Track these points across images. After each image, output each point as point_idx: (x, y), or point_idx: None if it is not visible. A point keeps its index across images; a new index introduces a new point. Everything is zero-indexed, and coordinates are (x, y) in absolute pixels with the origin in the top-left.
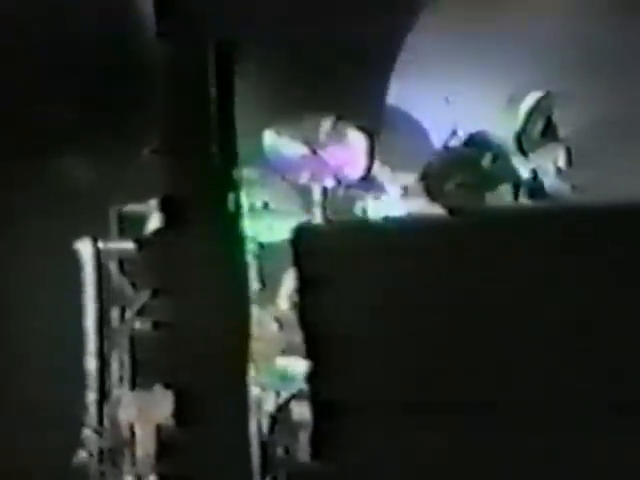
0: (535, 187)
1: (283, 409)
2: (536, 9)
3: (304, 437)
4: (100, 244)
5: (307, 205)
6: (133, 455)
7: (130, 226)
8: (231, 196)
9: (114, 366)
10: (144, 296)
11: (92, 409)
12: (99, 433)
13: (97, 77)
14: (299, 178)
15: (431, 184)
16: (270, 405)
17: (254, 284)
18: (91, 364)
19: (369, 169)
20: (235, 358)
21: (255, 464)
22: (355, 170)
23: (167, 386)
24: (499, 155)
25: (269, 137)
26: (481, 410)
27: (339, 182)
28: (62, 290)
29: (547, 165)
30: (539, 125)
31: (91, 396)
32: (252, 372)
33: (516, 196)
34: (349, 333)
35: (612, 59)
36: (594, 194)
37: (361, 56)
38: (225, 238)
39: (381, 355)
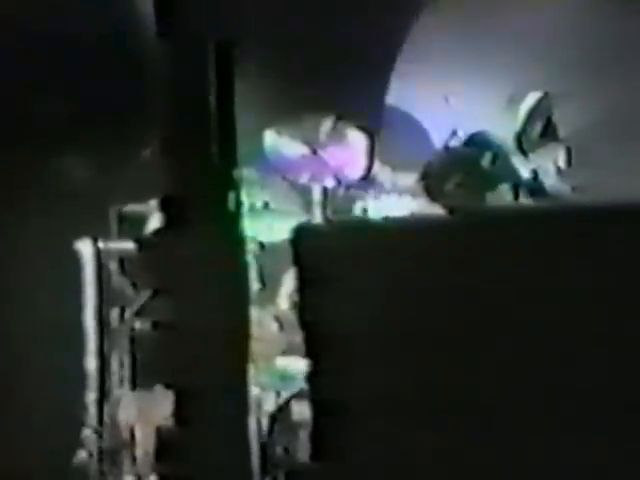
0: (535, 187)
1: (283, 409)
2: (536, 9)
3: (304, 437)
4: (100, 244)
5: (307, 205)
6: (133, 455)
7: (130, 226)
8: (231, 196)
9: (114, 366)
10: (144, 296)
11: (92, 409)
12: (99, 433)
13: (97, 77)
14: (299, 178)
15: (431, 184)
16: (270, 405)
17: (254, 284)
18: (91, 364)
19: (369, 169)
20: (235, 358)
21: (255, 464)
22: (355, 170)
23: (167, 386)
24: (499, 155)
25: (269, 137)
26: (481, 410)
27: (339, 182)
28: (62, 290)
29: (547, 165)
30: (539, 125)
31: (91, 396)
32: (252, 372)
33: (516, 196)
34: (349, 333)
35: (612, 59)
36: (594, 194)
37: (361, 56)
38: (225, 238)
39: (381, 355)
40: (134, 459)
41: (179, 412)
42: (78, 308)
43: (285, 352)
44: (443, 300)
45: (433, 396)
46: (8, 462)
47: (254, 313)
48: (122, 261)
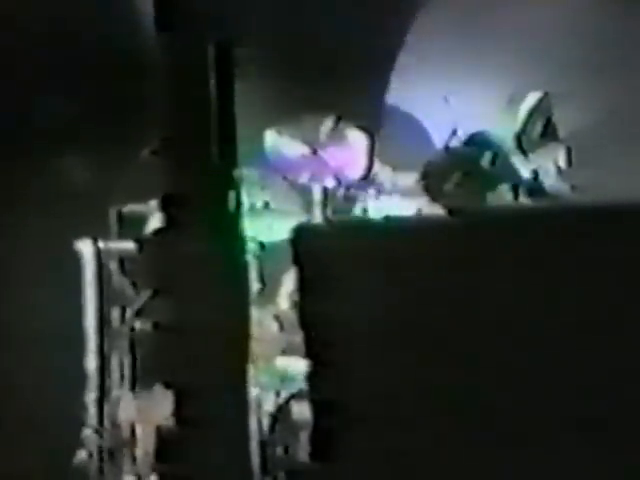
0: (535, 187)
1: (283, 409)
2: (536, 9)
3: (304, 437)
4: (100, 244)
5: (307, 205)
6: (133, 455)
7: (130, 226)
8: (231, 196)
9: (114, 366)
10: (144, 296)
11: (92, 409)
12: (99, 433)
13: (97, 77)
14: (299, 178)
15: (431, 184)
16: (270, 405)
17: (254, 284)
18: (91, 364)
19: (369, 169)
20: (235, 358)
21: (255, 464)
22: (355, 170)
23: (167, 386)
24: (499, 155)
25: (270, 137)
26: (481, 410)
27: (339, 182)
28: (62, 290)
29: (547, 165)
30: (539, 125)
31: (91, 396)
32: (252, 372)
33: (516, 196)
34: (349, 333)
35: (612, 59)
36: (594, 194)
37: (361, 56)
38: (225, 238)
39: (381, 355)
40: (134, 459)
41: (179, 412)
42: (78, 308)
43: (285, 352)
44: (443, 300)
45: (433, 396)
46: (8, 462)
47: (254, 313)
48: (122, 261)
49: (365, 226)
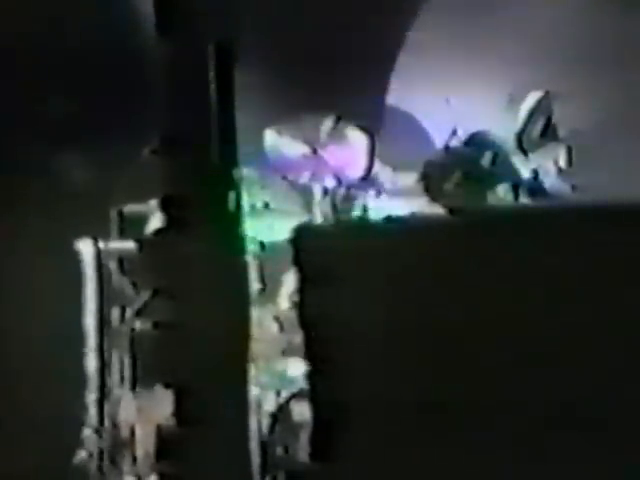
0: (535, 187)
1: (283, 409)
2: (536, 9)
3: (304, 437)
4: (100, 244)
5: (307, 205)
6: (133, 455)
7: (130, 226)
8: (231, 196)
9: (114, 366)
10: (144, 296)
11: (92, 409)
12: (99, 433)
13: (97, 77)
14: (300, 178)
15: (431, 184)
16: (270, 405)
17: (254, 284)
18: (91, 364)
19: (369, 169)
20: (235, 358)
21: (255, 464)
22: (355, 170)
23: (167, 386)
24: (499, 155)
25: (270, 137)
26: (481, 410)
27: (339, 182)
28: (62, 290)
29: (547, 165)
30: (539, 125)
31: (91, 396)
32: (252, 372)
33: (516, 196)
34: (349, 333)
35: (612, 59)
36: (594, 194)
37: (361, 56)
38: (225, 238)
39: (381, 355)
40: (134, 459)
41: (179, 412)
42: (78, 308)
43: (285, 352)
44: (443, 300)
45: (433, 396)
46: (8, 462)
47: (254, 313)
48: (122, 261)
49: (365, 226)
